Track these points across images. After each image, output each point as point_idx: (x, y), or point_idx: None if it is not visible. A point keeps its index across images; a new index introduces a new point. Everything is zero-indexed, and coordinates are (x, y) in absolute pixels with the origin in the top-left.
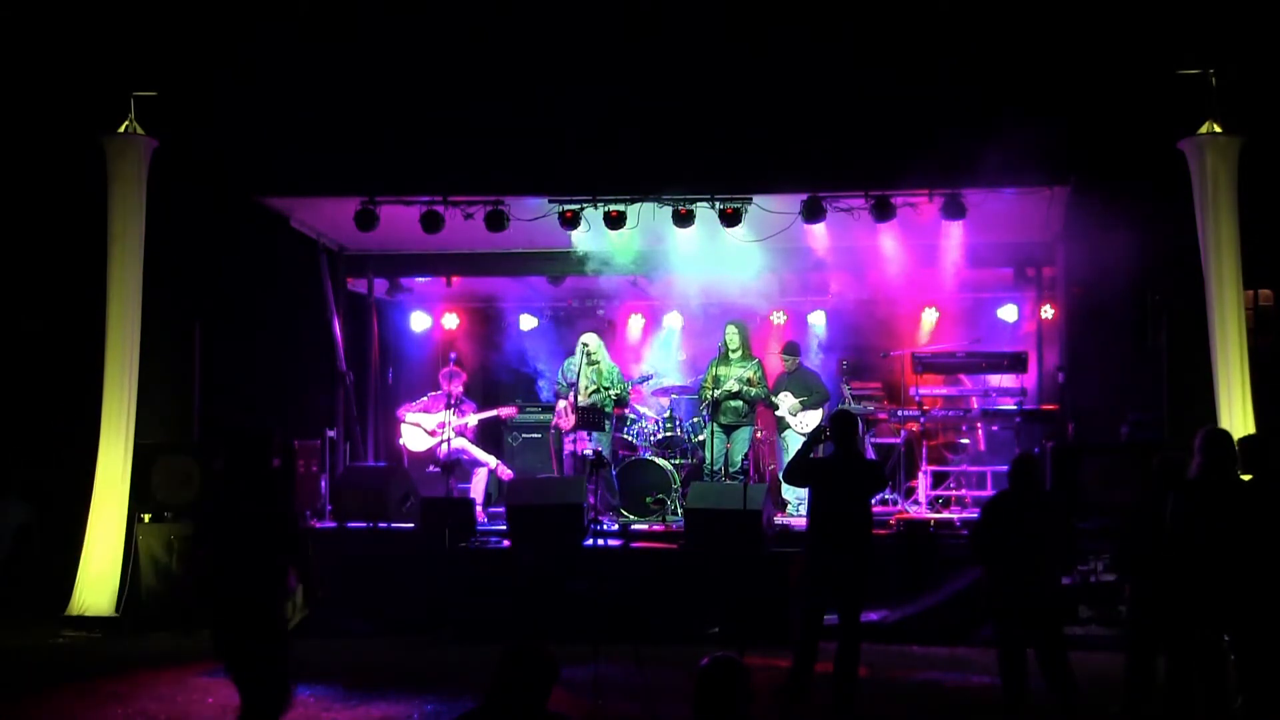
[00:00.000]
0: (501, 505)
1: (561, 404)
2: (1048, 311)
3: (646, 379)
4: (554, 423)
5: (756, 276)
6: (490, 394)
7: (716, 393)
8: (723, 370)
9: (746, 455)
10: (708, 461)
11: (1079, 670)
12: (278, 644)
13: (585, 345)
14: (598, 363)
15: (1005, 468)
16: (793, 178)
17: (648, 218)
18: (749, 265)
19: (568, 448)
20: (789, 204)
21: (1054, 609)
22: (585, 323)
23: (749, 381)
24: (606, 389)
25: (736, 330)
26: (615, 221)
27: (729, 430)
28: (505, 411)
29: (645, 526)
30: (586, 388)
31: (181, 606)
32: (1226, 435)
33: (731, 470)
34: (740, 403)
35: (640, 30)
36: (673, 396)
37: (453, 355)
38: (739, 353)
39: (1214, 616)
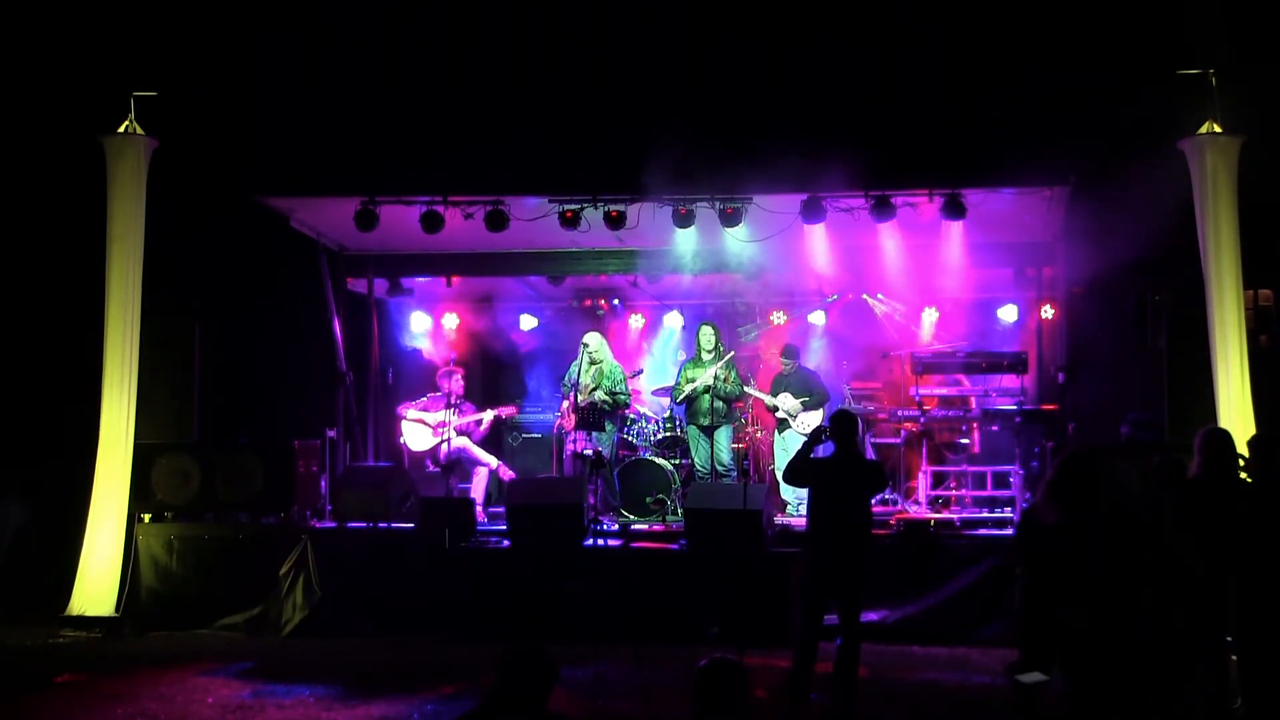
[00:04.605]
0: (501, 505)
1: (564, 404)
2: (1048, 311)
3: (638, 373)
4: (557, 423)
5: (756, 276)
6: (490, 394)
7: (688, 389)
8: (695, 372)
9: (745, 455)
10: (696, 465)
11: None
12: None
13: (586, 345)
14: (599, 362)
15: (1005, 467)
16: (793, 178)
17: (648, 218)
18: (749, 265)
19: (569, 448)
20: (789, 204)
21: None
22: (585, 323)
23: (722, 379)
24: (608, 389)
25: (712, 330)
26: (615, 221)
27: (709, 431)
28: (505, 411)
29: (645, 526)
30: (588, 387)
31: (181, 606)
32: (1226, 435)
33: (721, 469)
34: (719, 403)
35: (640, 30)
36: None
37: (452, 355)
38: (713, 354)
39: (1215, 617)
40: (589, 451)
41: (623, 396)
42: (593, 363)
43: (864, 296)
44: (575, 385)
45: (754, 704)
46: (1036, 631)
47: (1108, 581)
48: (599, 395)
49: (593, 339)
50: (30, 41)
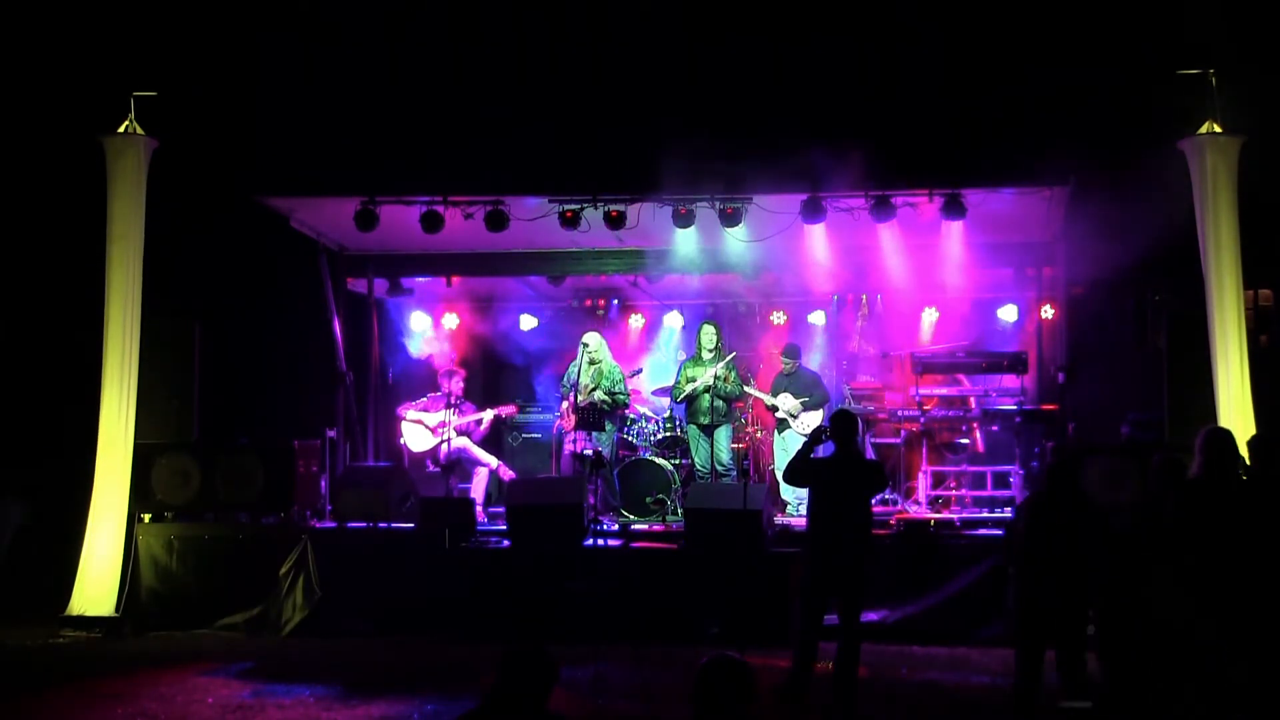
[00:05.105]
0: (501, 505)
1: (564, 404)
2: (1048, 311)
3: (637, 372)
4: (556, 424)
5: (756, 276)
6: (490, 394)
7: (689, 388)
8: (695, 371)
9: (745, 455)
10: (696, 465)
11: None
12: None
13: (586, 345)
14: (598, 362)
15: (1005, 467)
16: (793, 178)
17: (648, 218)
18: (749, 265)
19: (568, 448)
20: (789, 204)
21: (1082, 611)
22: (586, 323)
23: (723, 379)
24: (607, 389)
25: (714, 330)
26: (615, 221)
27: (709, 430)
28: (505, 410)
29: (645, 526)
30: (586, 387)
31: (181, 606)
32: (1228, 435)
33: (721, 469)
34: (719, 402)
35: (640, 30)
36: None
37: (452, 355)
38: (714, 354)
39: (1215, 617)
40: (589, 451)
41: (622, 396)
42: (592, 362)
43: (863, 298)
44: (575, 385)
45: (755, 703)
46: (1032, 630)
47: (1108, 581)
48: (598, 395)
49: (592, 339)
50: (30, 41)
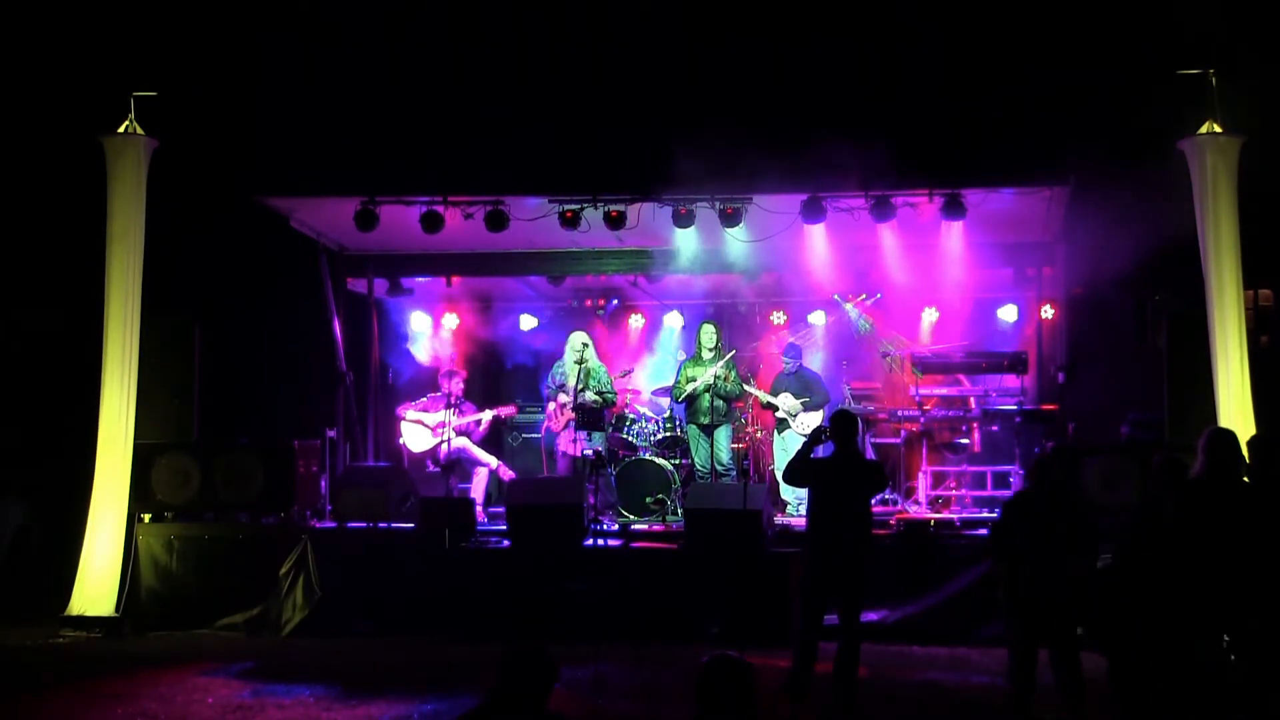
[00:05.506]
0: (501, 505)
1: (551, 406)
2: (1048, 311)
3: (628, 373)
4: (544, 425)
5: (756, 276)
6: (489, 394)
7: (689, 388)
8: (695, 371)
9: (745, 455)
10: (696, 465)
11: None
12: None
13: (586, 345)
14: (585, 362)
15: (1005, 467)
16: (793, 178)
17: (648, 218)
18: (750, 265)
19: (560, 448)
20: (789, 204)
21: (1072, 608)
22: (586, 323)
23: (722, 379)
24: (595, 389)
25: (714, 330)
26: (615, 221)
27: (709, 430)
28: (505, 411)
29: (645, 526)
30: (575, 387)
31: (181, 606)
32: (1231, 435)
33: (721, 469)
34: (719, 402)
35: (640, 30)
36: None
37: (453, 355)
38: (714, 353)
39: (1214, 617)
40: (589, 452)
41: (610, 396)
42: (578, 363)
43: (862, 297)
44: (561, 386)
45: (756, 703)
46: (1025, 628)
47: (1108, 581)
48: (588, 395)
49: (579, 339)
50: (30, 41)
